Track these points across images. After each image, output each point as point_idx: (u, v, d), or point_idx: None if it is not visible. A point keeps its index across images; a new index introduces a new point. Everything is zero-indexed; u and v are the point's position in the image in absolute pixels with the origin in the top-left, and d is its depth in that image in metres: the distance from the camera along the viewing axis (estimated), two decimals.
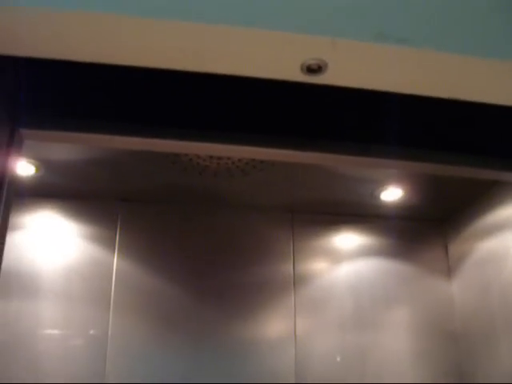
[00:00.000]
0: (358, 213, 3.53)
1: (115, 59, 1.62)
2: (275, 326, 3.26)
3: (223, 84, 1.82)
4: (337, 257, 3.49)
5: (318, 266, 3.44)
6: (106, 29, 1.52)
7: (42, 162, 2.82)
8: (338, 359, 3.24)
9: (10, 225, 1.83)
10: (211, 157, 2.78)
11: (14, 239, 3.06)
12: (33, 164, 2.82)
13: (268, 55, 1.57)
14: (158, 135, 1.95)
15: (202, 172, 2.93)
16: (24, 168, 2.83)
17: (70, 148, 2.72)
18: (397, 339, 3.37)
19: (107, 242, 3.18)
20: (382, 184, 3.19)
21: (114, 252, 3.16)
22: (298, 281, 3.35)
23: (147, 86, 1.96)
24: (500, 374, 2.97)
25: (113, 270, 3.13)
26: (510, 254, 2.93)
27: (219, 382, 3.03)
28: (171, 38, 1.53)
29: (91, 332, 3.00)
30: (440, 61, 1.67)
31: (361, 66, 1.62)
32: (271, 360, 3.16)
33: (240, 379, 3.06)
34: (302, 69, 1.59)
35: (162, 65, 1.64)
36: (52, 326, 2.97)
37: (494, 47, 1.71)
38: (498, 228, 3.08)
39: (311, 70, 1.59)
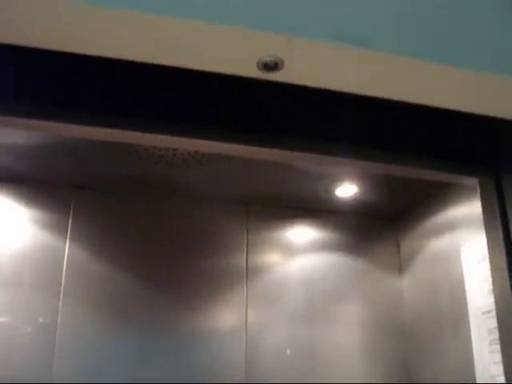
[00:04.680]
0: (313, 207, 3.54)
1: (70, 47, 1.59)
2: (226, 318, 3.26)
3: (181, 77, 1.80)
4: (290, 250, 3.50)
5: (271, 259, 3.45)
6: (55, 14, 1.49)
7: None
8: (288, 352, 3.26)
9: None
10: (167, 147, 2.76)
11: None
12: None
13: (225, 50, 1.57)
14: (111, 125, 1.92)
15: (157, 162, 2.91)
16: None
17: (23, 132, 2.67)
18: (347, 334, 3.39)
19: (59, 229, 3.12)
20: (337, 180, 3.20)
21: (65, 239, 3.11)
22: (250, 273, 3.36)
23: (103, 75, 1.93)
24: (445, 372, 3.02)
25: (64, 257, 3.08)
26: (459, 254, 2.97)
27: (169, 372, 3.02)
28: (127, 28, 1.51)
29: (40, 320, 2.96)
30: (397, 64, 1.68)
31: (317, 65, 1.63)
32: (222, 351, 3.16)
33: (190, 370, 3.06)
34: (258, 65, 1.59)
35: (119, 55, 1.62)
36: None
37: (453, 53, 1.73)
38: (449, 227, 3.12)
39: (268, 67, 1.59)
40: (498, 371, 2.60)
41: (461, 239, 2.99)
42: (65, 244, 3.11)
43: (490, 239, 2.30)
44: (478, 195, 2.57)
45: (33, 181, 3.14)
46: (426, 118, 2.18)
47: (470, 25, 1.78)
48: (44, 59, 1.78)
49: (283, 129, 2.12)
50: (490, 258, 2.30)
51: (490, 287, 2.64)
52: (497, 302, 2.26)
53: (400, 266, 3.60)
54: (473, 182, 2.42)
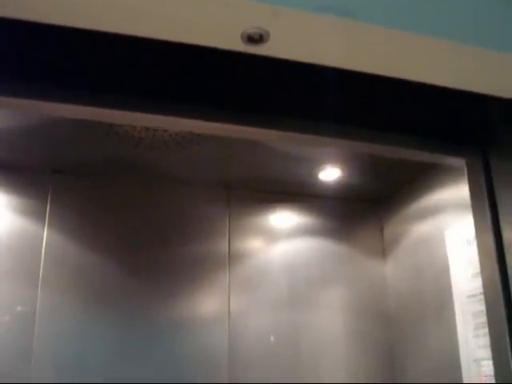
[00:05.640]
0: (296, 192, 3.51)
1: (45, 17, 1.52)
2: (209, 304, 3.23)
3: (161, 49, 1.73)
4: (273, 235, 3.47)
5: (253, 245, 3.41)
6: None
7: None
8: (272, 339, 3.23)
9: None
10: (147, 129, 2.70)
11: None
12: None
13: (207, 21, 1.50)
14: (91, 103, 1.86)
15: (137, 144, 2.85)
16: None
17: (0, 116, 2.60)
18: (330, 319, 3.38)
19: (37, 215, 3.06)
20: (320, 163, 3.18)
21: (44, 225, 3.05)
22: (233, 259, 3.32)
23: (78, 48, 1.85)
24: (430, 357, 3.02)
25: (42, 243, 3.02)
26: (443, 238, 2.95)
27: (150, 360, 2.99)
28: None
29: (18, 308, 2.90)
30: (386, 38, 1.64)
31: (303, 37, 1.57)
32: (204, 338, 3.13)
33: (171, 357, 3.03)
34: (242, 37, 1.53)
35: (95, 26, 1.55)
36: None
37: (439, 26, 1.69)
38: (433, 211, 3.10)
39: (252, 39, 1.53)
40: (482, 355, 2.60)
41: (445, 223, 2.98)
42: (43, 230, 3.05)
43: (478, 221, 2.27)
44: (465, 177, 2.55)
45: (9, 166, 3.07)
46: (411, 96, 2.13)
47: None
48: (17, 31, 1.71)
49: (266, 106, 2.07)
50: (478, 239, 2.27)
51: (475, 271, 2.63)
52: (485, 285, 2.24)
53: (383, 251, 3.59)
54: (460, 162, 2.38)
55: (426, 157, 2.43)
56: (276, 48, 1.59)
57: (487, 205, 2.21)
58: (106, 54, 1.88)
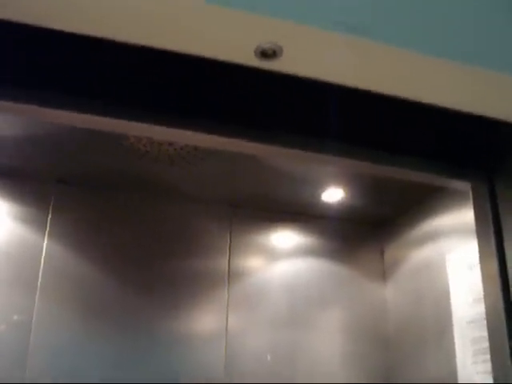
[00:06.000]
0: (299, 211, 3.50)
1: (56, 24, 1.52)
2: (207, 321, 3.20)
3: (173, 62, 1.73)
4: (273, 254, 3.45)
5: (254, 263, 3.40)
6: None
7: None
8: (269, 358, 3.21)
9: None
10: (152, 142, 2.70)
11: None
12: None
13: (222, 35, 1.50)
14: (97, 112, 1.85)
15: (142, 158, 2.84)
16: None
17: (5, 123, 2.59)
18: (329, 341, 3.36)
19: (38, 225, 3.04)
20: (324, 184, 3.17)
21: (44, 235, 3.03)
22: (232, 276, 3.30)
23: (90, 58, 1.85)
24: (427, 382, 2.98)
25: (42, 253, 3.00)
26: (444, 263, 2.94)
27: (146, 375, 2.96)
28: (120, 6, 1.44)
29: (15, 317, 2.87)
30: (397, 57, 1.63)
31: (316, 53, 1.57)
32: (201, 355, 3.10)
33: (167, 373, 3.00)
34: (255, 52, 1.53)
35: (109, 35, 1.55)
36: None
37: (453, 49, 1.69)
38: (434, 236, 3.09)
39: (265, 54, 1.53)
40: (480, 381, 2.58)
41: (446, 248, 2.97)
42: (43, 240, 3.03)
43: (482, 246, 2.25)
44: (467, 201, 2.54)
45: (13, 173, 3.06)
46: (420, 117, 2.13)
47: (468, 19, 1.74)
48: (19, 35, 1.69)
49: (272, 123, 2.06)
50: (482, 265, 2.25)
51: (476, 296, 2.62)
52: (487, 310, 2.22)
53: (384, 274, 3.57)
54: (465, 186, 2.37)
55: (431, 179, 2.42)
56: (289, 64, 1.59)
57: (492, 230, 2.20)
58: (118, 65, 1.87)
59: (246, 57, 1.55)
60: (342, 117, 2.11)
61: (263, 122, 2.08)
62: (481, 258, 2.26)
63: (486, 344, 2.53)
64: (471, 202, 2.36)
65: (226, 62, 1.59)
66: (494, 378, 2.15)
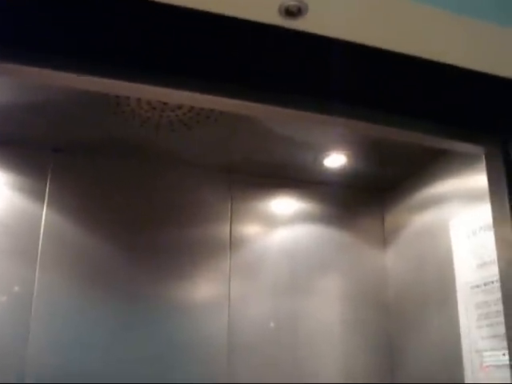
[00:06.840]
0: (301, 178, 3.47)
1: None
2: (209, 289, 3.19)
3: (185, 20, 1.64)
4: (274, 221, 3.43)
5: (255, 230, 3.38)
6: None
7: None
8: (272, 325, 3.20)
9: None
10: (154, 108, 2.64)
11: None
12: None
13: None
14: (96, 73, 1.78)
15: (143, 124, 2.78)
16: None
17: (1, 90, 2.52)
18: (330, 307, 3.36)
19: (36, 194, 2.99)
20: (326, 150, 3.14)
21: (43, 204, 2.98)
22: (234, 243, 3.27)
23: (88, 15, 1.74)
24: (431, 347, 3.00)
25: (41, 223, 2.96)
26: (447, 228, 2.93)
27: (148, 344, 2.95)
28: None
29: (16, 289, 2.84)
30: (415, 14, 1.59)
31: (341, 12, 1.51)
32: (203, 323, 3.09)
33: (170, 342, 3.00)
34: (280, 10, 1.47)
35: None
36: None
37: (473, 6, 1.64)
38: (437, 201, 3.07)
39: (290, 12, 1.47)
40: (484, 346, 2.58)
41: (450, 213, 2.94)
42: (42, 209, 2.99)
43: (496, 210, 2.22)
44: (476, 165, 2.54)
45: (9, 143, 2.99)
46: (431, 78, 2.06)
47: None
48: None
49: (279, 83, 1.99)
50: (496, 229, 2.23)
51: (480, 261, 2.62)
52: (501, 274, 2.20)
53: (384, 240, 3.56)
54: (478, 150, 2.33)
55: (443, 143, 2.38)
56: (313, 22, 1.53)
57: (506, 193, 2.17)
58: (123, 21, 1.77)
59: (270, 15, 1.48)
60: (352, 77, 2.04)
61: (266, 82, 2.00)
62: (494, 222, 2.24)
63: (491, 309, 2.55)
64: (484, 165, 2.32)
65: (247, 21, 1.52)
66: (508, 339, 2.14)
